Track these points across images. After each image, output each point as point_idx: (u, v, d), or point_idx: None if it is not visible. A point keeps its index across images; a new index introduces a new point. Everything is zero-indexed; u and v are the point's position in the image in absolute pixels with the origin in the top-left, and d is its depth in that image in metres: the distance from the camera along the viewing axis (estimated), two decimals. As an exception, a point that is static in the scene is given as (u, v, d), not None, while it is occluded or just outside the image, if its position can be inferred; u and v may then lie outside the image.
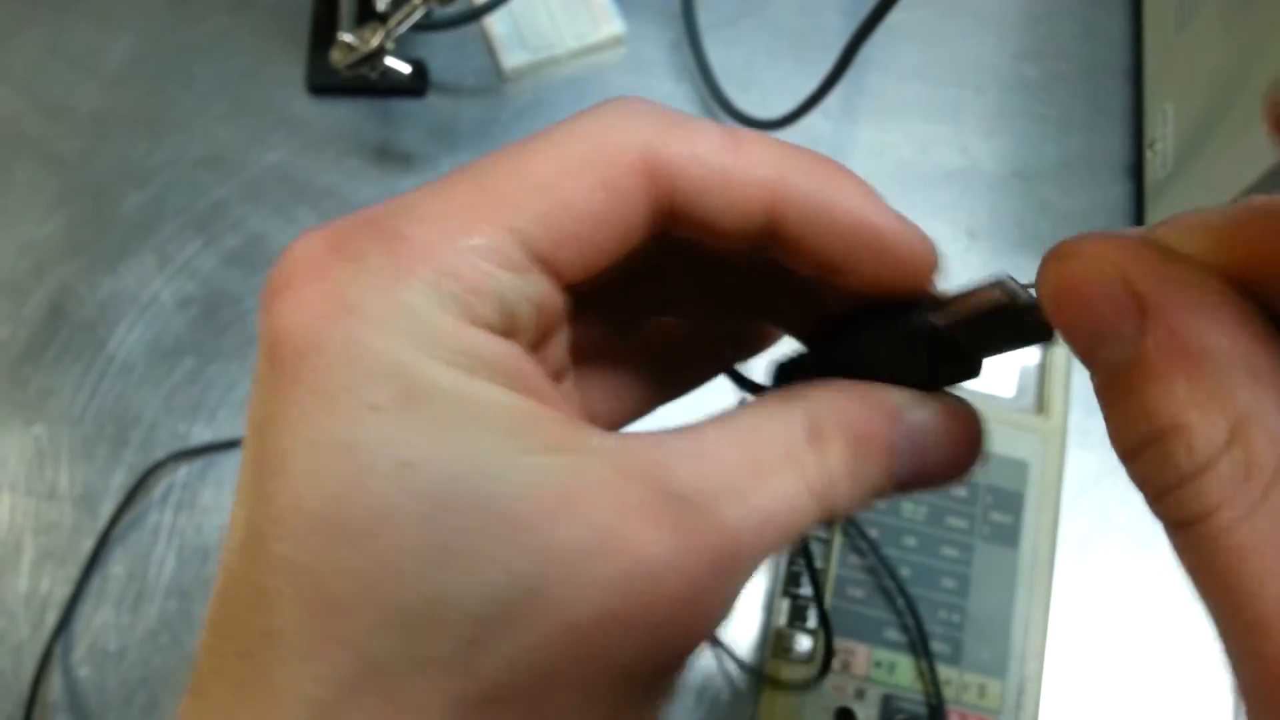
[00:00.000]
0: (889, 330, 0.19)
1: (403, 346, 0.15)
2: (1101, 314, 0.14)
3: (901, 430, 0.18)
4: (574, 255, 0.17)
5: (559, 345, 0.19)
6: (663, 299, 0.22)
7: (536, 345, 0.18)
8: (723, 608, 0.16)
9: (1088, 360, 0.15)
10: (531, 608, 0.15)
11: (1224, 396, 0.13)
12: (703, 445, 0.17)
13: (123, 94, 0.49)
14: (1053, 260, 0.15)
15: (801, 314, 0.22)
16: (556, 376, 0.19)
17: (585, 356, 0.21)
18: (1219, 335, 0.13)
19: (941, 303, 0.18)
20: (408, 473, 0.15)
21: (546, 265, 0.17)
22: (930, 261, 0.18)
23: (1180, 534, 0.14)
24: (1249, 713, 0.13)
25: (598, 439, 0.16)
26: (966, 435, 0.19)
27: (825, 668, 0.36)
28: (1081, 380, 0.44)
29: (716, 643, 0.39)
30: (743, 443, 0.17)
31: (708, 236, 0.18)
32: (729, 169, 0.17)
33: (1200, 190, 0.41)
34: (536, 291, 0.17)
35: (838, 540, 0.38)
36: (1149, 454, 0.14)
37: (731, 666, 0.39)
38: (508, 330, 0.17)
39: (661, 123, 0.17)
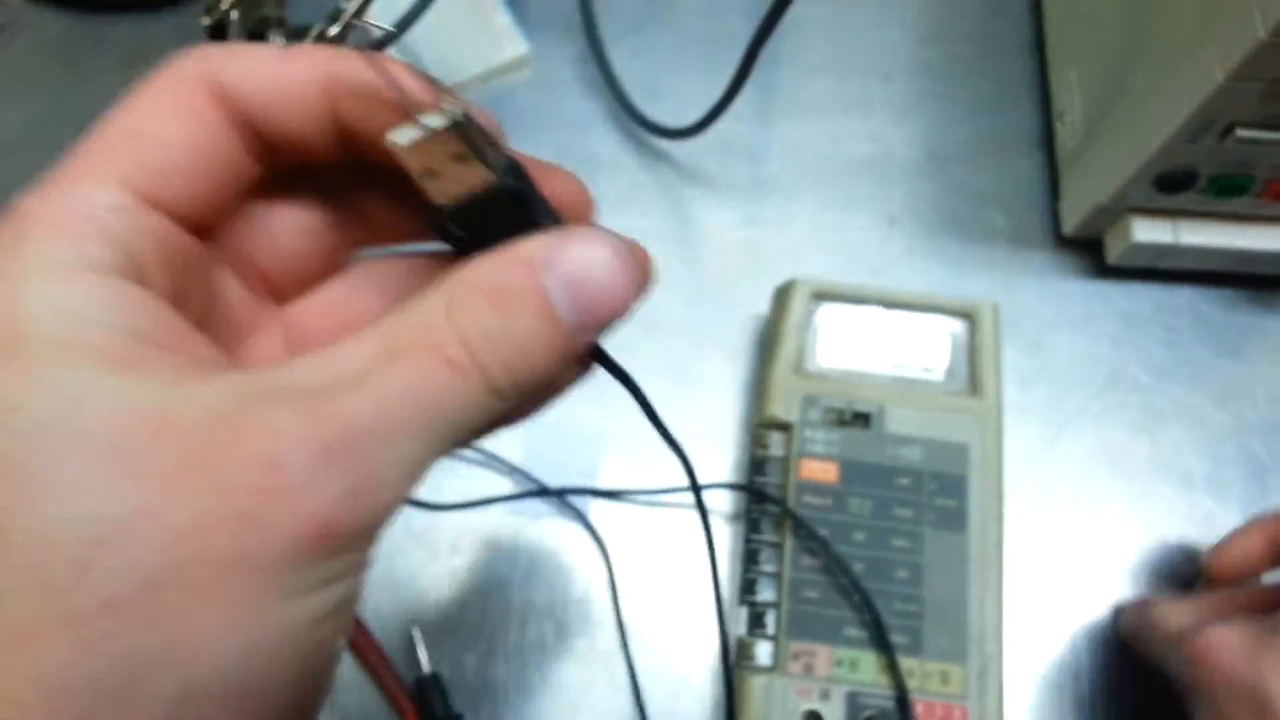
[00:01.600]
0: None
1: (13, 304, 0.16)
2: None
3: (549, 274, 0.18)
4: (181, 187, 0.19)
5: (206, 284, 0.20)
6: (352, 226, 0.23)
7: (177, 288, 0.19)
8: (361, 493, 0.16)
9: None
10: (136, 524, 0.15)
11: None
12: (331, 353, 0.17)
13: (18, 163, 0.48)
14: None
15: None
16: (207, 314, 0.20)
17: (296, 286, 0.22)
18: None
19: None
20: (12, 417, 0.16)
21: (159, 204, 0.18)
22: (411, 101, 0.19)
23: None
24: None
25: (219, 372, 0.17)
26: (623, 254, 0.19)
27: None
28: (1011, 356, 0.44)
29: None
30: (373, 338, 0.17)
31: (294, 152, 0.20)
32: (281, 75, 0.19)
33: (1110, 156, 0.42)
34: (153, 229, 0.18)
35: (789, 543, 0.38)
36: None
37: (700, 681, 0.39)
38: (135, 272, 0.18)
39: (220, 52, 0.19)
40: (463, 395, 0.17)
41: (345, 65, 0.19)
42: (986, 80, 0.50)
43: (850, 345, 0.41)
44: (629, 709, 0.39)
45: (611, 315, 0.19)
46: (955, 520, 0.38)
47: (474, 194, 0.19)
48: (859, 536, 0.38)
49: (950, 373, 0.41)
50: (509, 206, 0.19)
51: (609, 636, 0.40)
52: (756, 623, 0.37)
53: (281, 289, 0.23)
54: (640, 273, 0.19)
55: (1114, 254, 0.44)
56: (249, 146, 0.20)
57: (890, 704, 0.36)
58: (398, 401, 0.17)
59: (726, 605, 0.39)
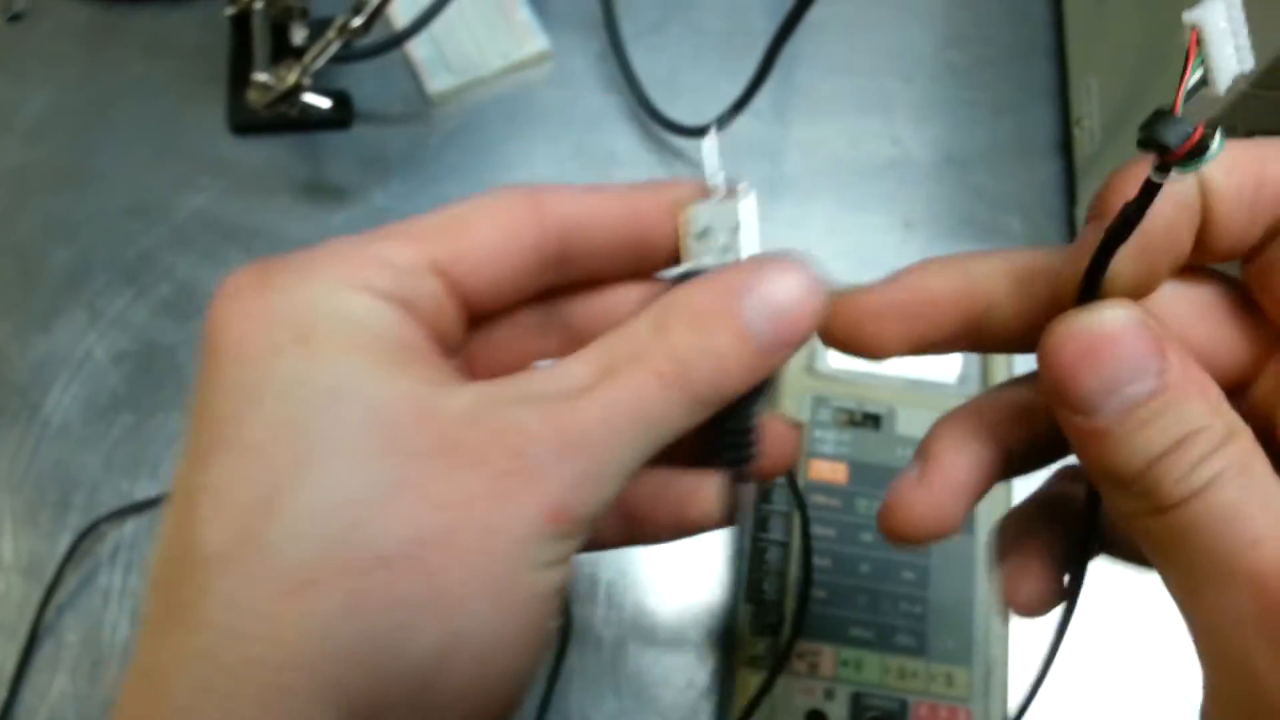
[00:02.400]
0: None
1: (306, 305, 0.19)
2: (1129, 359, 0.18)
3: (746, 299, 0.20)
4: (474, 272, 0.21)
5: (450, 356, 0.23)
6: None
7: (433, 335, 0.21)
8: (588, 483, 0.19)
9: (1092, 405, 0.18)
10: (402, 492, 0.18)
11: (1223, 407, 0.18)
12: (560, 370, 0.20)
13: (42, 148, 0.48)
14: (1065, 329, 0.19)
15: None
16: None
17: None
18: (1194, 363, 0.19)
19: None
20: (300, 389, 0.18)
21: (447, 276, 0.21)
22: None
23: (1181, 510, 0.18)
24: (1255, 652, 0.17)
25: (467, 382, 0.20)
26: (811, 283, 0.21)
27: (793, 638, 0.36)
28: (1024, 362, 0.44)
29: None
30: (594, 356, 0.20)
31: (587, 264, 0.22)
32: (591, 200, 0.22)
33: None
34: (432, 291, 0.20)
35: (796, 543, 0.38)
36: (1167, 460, 0.18)
37: (702, 676, 0.39)
38: (407, 307, 0.20)
39: (542, 185, 0.22)
40: (671, 405, 0.19)
41: (644, 199, 0.22)
42: (1007, 84, 0.50)
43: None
44: (633, 707, 0.39)
45: (799, 337, 0.21)
46: (963, 523, 0.38)
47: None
48: (866, 537, 0.38)
49: (962, 375, 0.40)
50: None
51: (613, 632, 0.40)
52: (762, 621, 0.37)
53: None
54: (826, 298, 0.21)
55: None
56: (547, 259, 0.22)
57: (894, 705, 0.36)
58: (618, 410, 0.19)
59: (733, 603, 0.39)
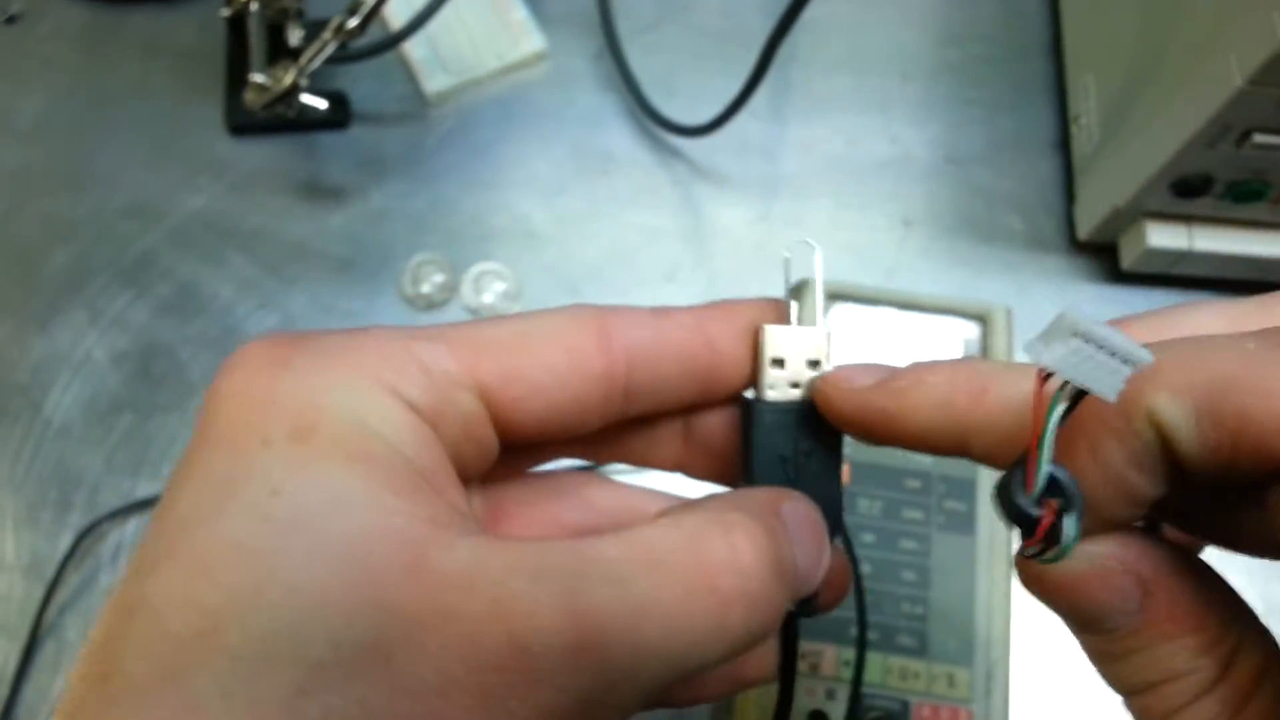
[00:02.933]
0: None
1: (316, 395, 0.16)
2: (1108, 599, 0.17)
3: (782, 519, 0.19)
4: (523, 394, 0.18)
5: (474, 483, 0.20)
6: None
7: (455, 457, 0.19)
8: (600, 698, 0.15)
9: (1083, 629, 0.18)
10: (371, 659, 0.14)
11: (1219, 643, 0.16)
12: (592, 546, 0.17)
13: (39, 150, 0.48)
14: (1036, 572, 0.17)
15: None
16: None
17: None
18: (1196, 593, 0.16)
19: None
20: (273, 501, 0.15)
21: (491, 400, 0.18)
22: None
23: None
24: None
25: (473, 530, 0.16)
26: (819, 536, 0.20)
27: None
28: (1024, 360, 0.44)
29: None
30: (638, 544, 0.17)
31: (649, 401, 0.20)
32: (660, 327, 0.20)
33: (1125, 160, 0.41)
34: (467, 411, 0.18)
35: (796, 542, 0.38)
36: (1158, 691, 0.16)
37: (701, 678, 0.39)
38: (432, 420, 0.18)
39: (610, 306, 0.20)
40: (720, 627, 0.17)
41: (717, 326, 0.20)
42: (1004, 82, 0.50)
43: (863, 346, 0.41)
44: (634, 704, 0.39)
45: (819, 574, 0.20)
46: (964, 523, 0.38)
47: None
48: (868, 538, 0.38)
49: (962, 375, 0.40)
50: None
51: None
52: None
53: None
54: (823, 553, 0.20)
55: (1128, 259, 0.44)
56: (613, 392, 0.19)
57: (896, 705, 0.36)
58: (655, 616, 0.16)
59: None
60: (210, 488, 0.16)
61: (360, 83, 0.49)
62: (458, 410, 0.18)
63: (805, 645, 0.37)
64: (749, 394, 0.21)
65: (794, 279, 0.22)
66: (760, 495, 0.20)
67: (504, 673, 0.15)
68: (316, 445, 0.16)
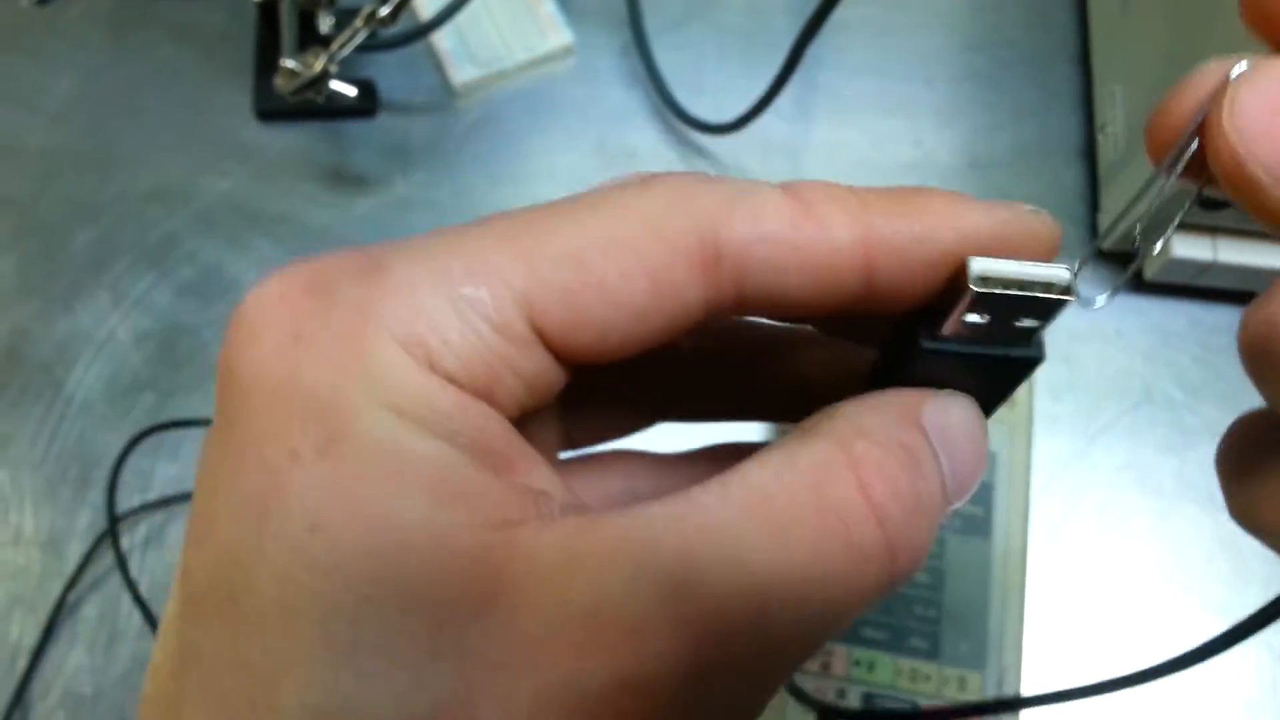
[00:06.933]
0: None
1: (342, 384, 0.13)
2: None
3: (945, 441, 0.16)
4: (593, 340, 0.15)
5: (548, 424, 0.17)
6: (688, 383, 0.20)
7: (519, 419, 0.16)
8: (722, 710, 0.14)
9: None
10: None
11: None
12: (694, 507, 0.14)
13: (68, 131, 0.48)
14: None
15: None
16: (541, 451, 0.17)
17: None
18: None
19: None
20: (313, 540, 0.13)
21: (554, 343, 0.15)
22: (1046, 238, 0.17)
23: None
24: None
25: (560, 516, 0.14)
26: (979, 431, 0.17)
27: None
28: (1043, 367, 0.44)
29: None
30: (749, 497, 0.14)
31: (786, 313, 0.16)
32: (806, 244, 0.15)
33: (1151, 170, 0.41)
34: (532, 369, 0.15)
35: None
36: None
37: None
38: (483, 393, 0.15)
39: (721, 200, 0.15)
40: (858, 587, 0.14)
41: (883, 218, 0.15)
42: (1030, 89, 0.50)
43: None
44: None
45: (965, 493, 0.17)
46: (980, 527, 0.38)
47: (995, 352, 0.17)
48: (882, 539, 0.38)
49: (981, 380, 0.40)
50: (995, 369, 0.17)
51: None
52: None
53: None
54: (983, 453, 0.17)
55: (1152, 269, 0.44)
56: (715, 312, 0.16)
57: (906, 707, 0.36)
58: (782, 591, 0.14)
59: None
60: (245, 510, 0.14)
61: (388, 72, 0.49)
62: (517, 370, 0.15)
63: (817, 644, 0.37)
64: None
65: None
66: (896, 403, 0.16)
67: (615, 714, 0.13)
68: (349, 464, 0.13)
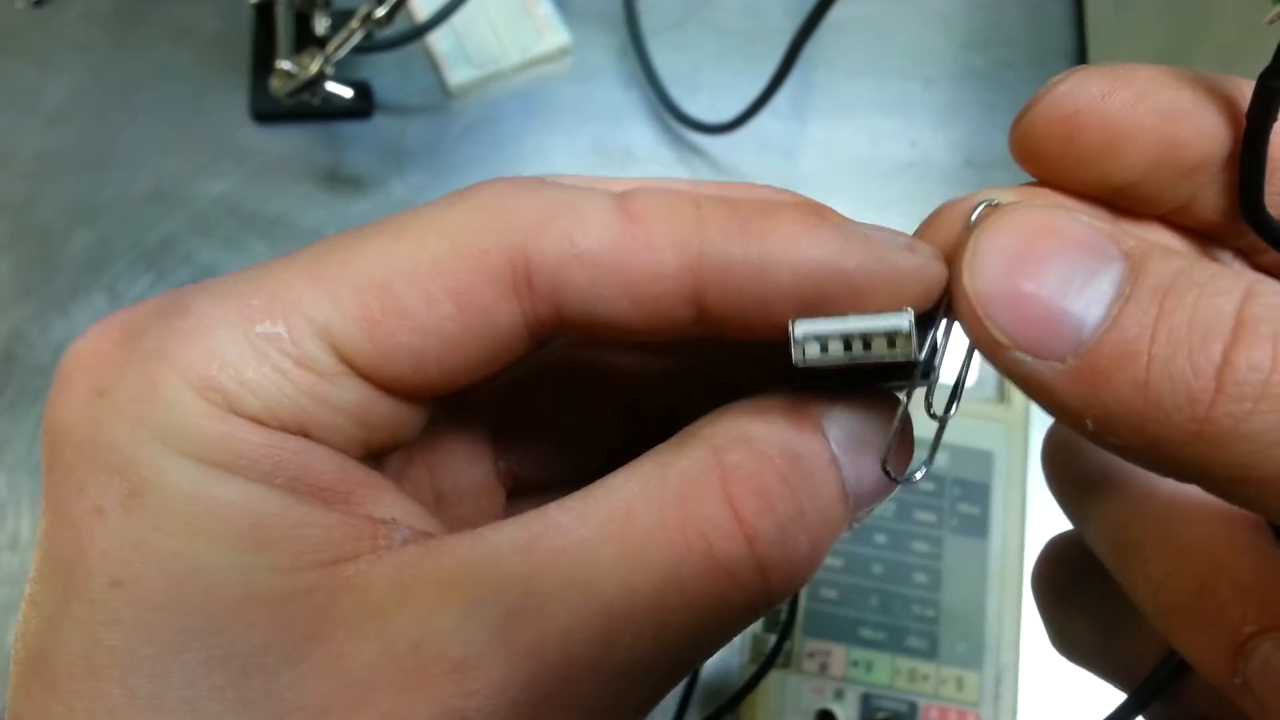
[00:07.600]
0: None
1: (142, 436, 0.13)
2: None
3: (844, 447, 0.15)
4: (409, 369, 0.14)
5: (421, 462, 0.17)
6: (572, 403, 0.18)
7: (374, 455, 0.15)
8: None
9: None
10: None
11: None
12: (546, 528, 0.13)
13: (65, 132, 0.48)
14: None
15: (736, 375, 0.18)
16: (429, 494, 0.16)
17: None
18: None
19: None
20: (114, 595, 0.13)
21: (367, 374, 0.14)
22: (912, 284, 0.15)
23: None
24: None
25: (400, 545, 0.13)
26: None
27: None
28: (1043, 366, 0.44)
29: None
30: (614, 514, 0.13)
31: (620, 337, 0.15)
32: (627, 266, 0.14)
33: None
34: (354, 401, 0.14)
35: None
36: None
37: (714, 677, 0.39)
38: (296, 428, 0.14)
39: (536, 215, 0.14)
40: (719, 611, 0.13)
41: (718, 236, 0.14)
42: (1028, 88, 0.49)
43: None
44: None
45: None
46: (977, 527, 0.38)
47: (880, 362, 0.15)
48: (879, 539, 0.38)
49: (980, 379, 0.40)
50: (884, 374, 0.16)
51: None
52: (773, 620, 0.37)
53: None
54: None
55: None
56: (546, 332, 0.15)
57: (903, 707, 0.36)
58: (634, 619, 0.13)
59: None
60: (55, 569, 0.13)
61: (384, 73, 0.49)
62: (332, 404, 0.14)
63: (814, 644, 0.37)
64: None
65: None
66: (795, 408, 0.15)
67: None
68: (152, 514, 0.13)
